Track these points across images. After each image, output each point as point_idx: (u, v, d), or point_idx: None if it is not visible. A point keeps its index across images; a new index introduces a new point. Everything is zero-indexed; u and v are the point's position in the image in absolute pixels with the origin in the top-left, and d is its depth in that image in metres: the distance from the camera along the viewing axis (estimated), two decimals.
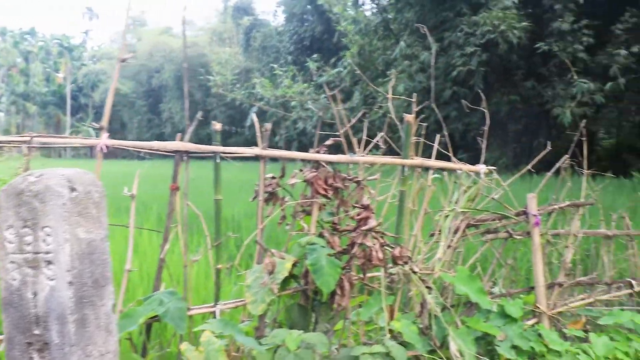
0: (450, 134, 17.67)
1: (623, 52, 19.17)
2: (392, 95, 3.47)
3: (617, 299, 4.23)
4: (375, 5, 28.32)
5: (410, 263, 2.88)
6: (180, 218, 2.62)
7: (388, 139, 3.01)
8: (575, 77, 19.14)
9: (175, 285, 2.84)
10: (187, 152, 2.57)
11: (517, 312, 3.29)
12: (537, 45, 19.55)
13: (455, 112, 20.65)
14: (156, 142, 2.58)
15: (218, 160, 2.66)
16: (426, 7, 21.87)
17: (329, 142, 2.83)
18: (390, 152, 3.03)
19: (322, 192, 2.74)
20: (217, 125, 2.70)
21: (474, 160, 3.45)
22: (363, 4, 28.84)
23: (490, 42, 18.93)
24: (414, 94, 3.15)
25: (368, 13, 28.66)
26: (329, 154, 2.82)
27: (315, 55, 30.88)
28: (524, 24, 19.00)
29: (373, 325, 3.21)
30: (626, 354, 3.44)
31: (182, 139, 2.59)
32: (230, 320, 2.76)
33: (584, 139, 3.62)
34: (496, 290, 3.62)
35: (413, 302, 3.15)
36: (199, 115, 2.82)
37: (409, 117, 2.87)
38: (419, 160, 2.91)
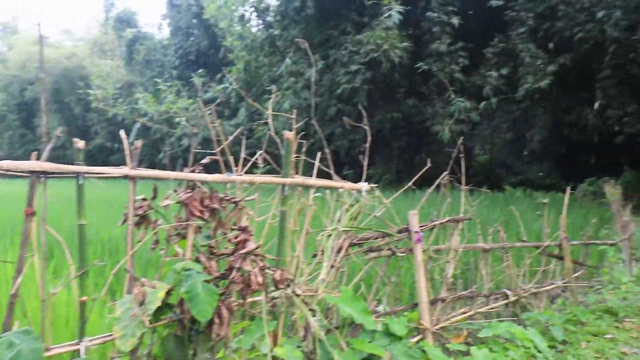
0: (335, 150, 17.95)
1: (494, 74, 20.47)
2: (278, 112, 3.35)
3: (495, 310, 4.36)
4: (261, 22, 28.40)
5: (292, 285, 2.76)
6: (38, 245, 2.33)
7: (268, 158, 2.88)
8: (453, 96, 20.15)
9: (33, 323, 2.54)
10: (44, 173, 2.30)
11: (401, 330, 3.27)
12: (417, 65, 20.39)
13: (340, 129, 21.01)
14: (7, 161, 2.28)
15: (81, 182, 2.41)
16: (311, 25, 22.16)
17: (205, 160, 2.66)
18: (272, 170, 2.91)
19: (198, 213, 2.56)
20: (80, 143, 2.45)
21: (359, 177, 3.43)
22: (249, 20, 28.82)
23: (373, 61, 19.48)
24: (294, 111, 3.05)
25: (255, 29, 28.67)
26: (207, 173, 2.65)
27: (200, 70, 30.41)
28: (405, 44, 19.75)
29: (256, 353, 3.06)
30: None
31: (38, 157, 2.31)
32: (100, 358, 2.50)
33: (461, 155, 3.69)
34: (381, 308, 3.59)
35: (297, 325, 3.03)
36: (59, 132, 2.55)
37: (289, 135, 2.77)
38: (299, 179, 2.81)
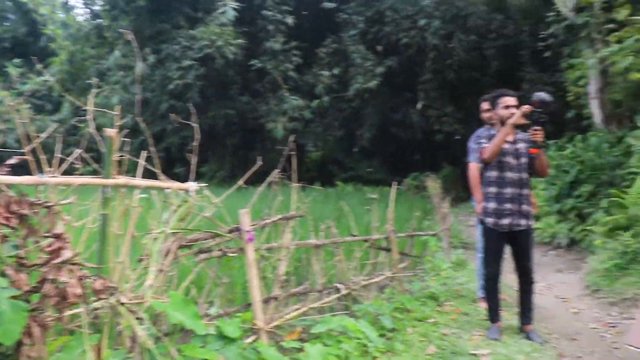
0: (167, 148, 17.34)
1: (326, 73, 21.16)
2: (105, 107, 3.11)
3: (328, 304, 4.47)
4: (88, 10, 26.65)
5: (116, 294, 2.58)
6: None
7: (87, 157, 2.66)
8: (287, 94, 20.49)
9: None
10: None
11: (235, 332, 3.21)
12: (252, 62, 20.42)
13: (172, 125, 20.39)
14: None
15: None
16: (142, 17, 21.24)
17: (13, 160, 2.38)
18: (97, 171, 2.69)
19: (3, 221, 2.28)
20: None
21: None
22: (74, 8, 26.88)
23: (207, 57, 19.16)
24: (117, 107, 2.85)
25: (81, 18, 26.82)
26: (18, 174, 2.37)
27: (17, 60, 27.75)
28: (239, 41, 19.69)
29: None
30: (338, 357, 3.61)
31: None
32: None
33: (293, 152, 3.72)
34: (213, 311, 3.50)
35: (124, 336, 2.84)
36: None
37: (111, 132, 2.57)
38: (122, 180, 2.62)
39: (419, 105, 21.86)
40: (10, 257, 2.35)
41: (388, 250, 5.69)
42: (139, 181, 2.72)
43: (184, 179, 3.07)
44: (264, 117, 21.09)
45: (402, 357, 4.02)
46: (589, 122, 13.32)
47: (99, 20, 24.97)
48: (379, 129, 24.31)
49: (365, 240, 5.35)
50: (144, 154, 2.83)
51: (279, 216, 3.68)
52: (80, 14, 26.65)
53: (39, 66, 20.68)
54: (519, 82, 20.73)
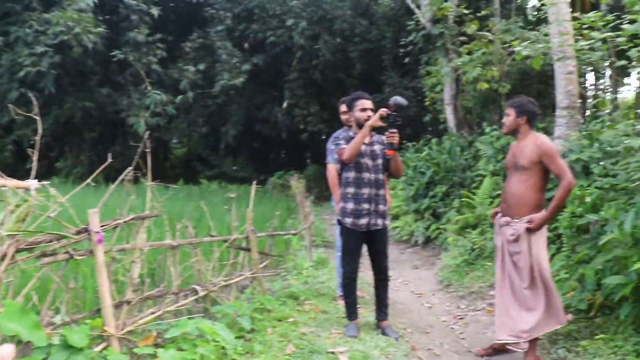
0: (17, 140, 16.02)
1: (192, 68, 20.67)
2: None
3: (185, 307, 4.32)
4: None
5: None
6: None
7: None
8: (150, 88, 19.74)
9: None
10: None
11: (82, 341, 2.99)
12: (113, 53, 19.43)
13: (22, 117, 18.71)
14: None
15: None
16: None
17: None
18: None
19: None
20: None
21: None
22: None
23: (63, 44, 17.88)
24: None
25: None
26: None
27: None
28: (100, 29, 18.61)
29: None
30: None
31: None
32: None
33: (147, 150, 3.54)
34: (58, 319, 3.24)
35: None
36: None
37: None
38: None
39: (285, 104, 22.05)
40: None
41: (248, 250, 5.63)
42: None
43: (37, 174, 2.80)
44: (126, 111, 20.14)
45: (261, 358, 3.98)
46: (444, 126, 14.18)
47: None
48: (245, 127, 24.22)
49: (225, 241, 5.25)
50: None
51: (132, 216, 3.48)
52: None
53: None
54: (381, 85, 21.61)
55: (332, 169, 5.47)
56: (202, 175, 23.33)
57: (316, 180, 21.08)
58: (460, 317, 6.05)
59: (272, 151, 29.13)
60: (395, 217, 12.24)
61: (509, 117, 4.50)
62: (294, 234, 8.25)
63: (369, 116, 4.70)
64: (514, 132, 4.52)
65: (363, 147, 4.72)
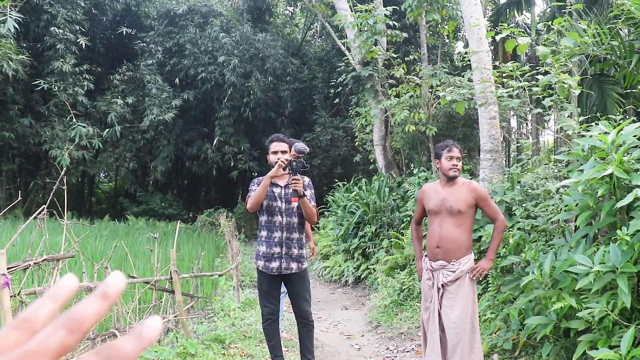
0: None
1: (120, 101, 20.19)
2: None
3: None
4: None
5: None
6: None
7: None
8: (75, 119, 19.10)
9: None
10: None
11: None
12: (36, 82, 18.75)
13: None
14: None
15: None
16: None
17: None
18: None
19: None
20: None
21: None
22: None
23: None
24: None
25: None
26: None
27: None
28: (22, 56, 17.93)
29: None
30: None
31: None
32: None
33: (63, 187, 3.36)
34: None
35: None
36: None
37: None
38: None
39: (215, 141, 21.84)
40: None
41: (171, 292, 5.42)
42: None
43: None
44: (48, 143, 19.35)
45: None
46: (374, 166, 14.38)
47: None
48: (174, 163, 23.79)
49: (147, 282, 5.03)
50: None
51: (44, 257, 3.27)
52: None
53: None
54: (312, 125, 21.79)
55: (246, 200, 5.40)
56: (129, 212, 22.63)
57: (246, 219, 20.85)
58: (389, 358, 6.02)
59: (202, 188, 28.68)
60: (326, 257, 12.21)
61: (460, 161, 4.55)
62: (220, 275, 8.06)
63: (279, 159, 4.66)
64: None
65: (277, 191, 4.67)
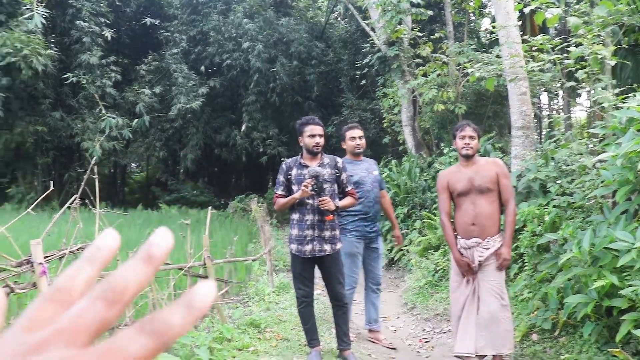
0: None
1: (147, 91, 20.33)
2: None
3: None
4: None
5: None
6: None
7: None
8: (104, 111, 19.32)
9: None
10: None
11: None
12: (65, 76, 18.98)
13: None
14: None
15: None
16: None
17: None
18: None
19: None
20: None
21: None
22: None
23: (11, 66, 17.35)
24: None
25: None
26: None
27: None
28: (50, 51, 18.16)
29: None
30: None
31: None
32: None
33: (95, 176, 3.37)
34: None
35: None
36: None
37: None
38: None
39: (243, 127, 21.88)
40: None
41: (205, 277, 5.45)
42: None
43: None
44: (80, 135, 19.64)
45: None
46: (404, 147, 14.25)
47: None
48: (204, 150, 23.91)
49: (181, 269, 5.06)
50: None
51: (79, 245, 3.30)
52: None
53: None
54: (339, 108, 21.66)
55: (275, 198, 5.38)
56: (161, 200, 22.89)
57: None
58: (426, 340, 5.97)
59: (232, 175, 28.83)
60: None
61: (475, 139, 4.52)
62: (254, 260, 8.08)
63: (317, 143, 4.61)
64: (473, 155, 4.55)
65: (305, 172, 4.62)
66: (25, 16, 17.25)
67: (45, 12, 17.25)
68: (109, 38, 19.77)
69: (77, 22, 19.24)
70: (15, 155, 20.67)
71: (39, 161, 20.90)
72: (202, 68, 21.75)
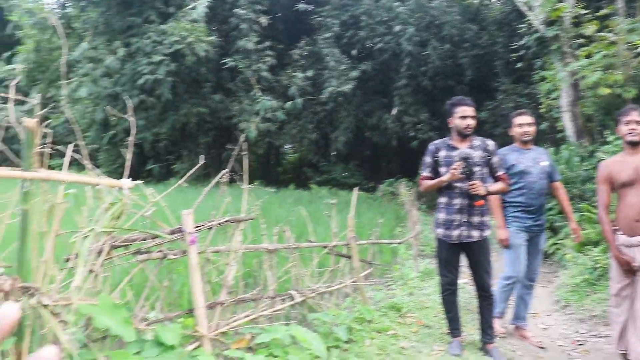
0: (139, 143, 17.04)
1: (300, 75, 20.97)
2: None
3: (281, 312, 4.26)
4: None
5: (37, 295, 2.36)
6: None
7: (3, 148, 2.43)
8: (260, 94, 20.24)
9: None
10: None
11: (174, 339, 2.99)
12: (224, 61, 20.14)
13: (143, 121, 19.95)
14: None
15: None
16: (112, 9, 20.67)
17: None
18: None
19: None
20: None
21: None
22: None
23: (178, 53, 18.79)
24: (38, 95, 2.63)
25: (50, 6, 25.95)
26: None
27: None
28: (211, 38, 19.37)
29: None
30: None
31: None
32: None
33: (244, 152, 3.52)
34: (153, 315, 3.27)
35: (48, 341, 2.61)
36: None
37: (30, 123, 2.35)
38: (44, 173, 2.40)
39: (394, 111, 21.80)
40: None
41: (348, 257, 5.51)
42: (64, 175, 2.49)
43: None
44: (237, 117, 20.83)
45: None
46: (562, 135, 13.36)
47: (67, 11, 24.26)
48: (354, 133, 24.20)
49: (324, 247, 5.15)
50: (70, 146, 2.61)
51: (226, 218, 3.47)
52: (48, 2, 25.42)
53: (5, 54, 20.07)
54: (494, 92, 20.84)
55: (420, 180, 5.24)
56: (312, 181, 23.59)
57: None
58: (580, 343, 5.53)
59: (382, 158, 28.90)
60: None
61: None
62: (399, 243, 8.03)
63: (469, 125, 4.41)
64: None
65: (454, 154, 4.44)
66: (189, 6, 18.55)
67: (208, 2, 18.41)
68: (265, 24, 20.63)
69: (236, 10, 20.30)
70: (181, 135, 22.38)
71: (201, 140, 22.46)
72: (354, 52, 21.95)
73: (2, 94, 2.68)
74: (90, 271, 2.69)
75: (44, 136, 2.43)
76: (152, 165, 21.97)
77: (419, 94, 22.08)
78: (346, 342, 4.38)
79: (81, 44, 20.58)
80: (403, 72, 21.13)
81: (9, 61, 25.39)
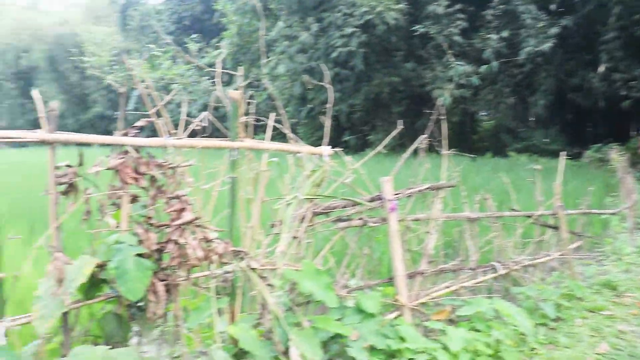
0: (335, 115, 17.60)
1: (494, 36, 19.91)
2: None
3: (483, 285, 4.08)
4: None
5: (246, 259, 2.48)
6: None
7: (213, 119, 2.56)
8: (452, 59, 19.64)
9: None
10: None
11: (374, 307, 2.99)
12: (414, 28, 19.83)
13: (339, 93, 20.52)
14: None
15: None
16: None
17: (140, 123, 2.33)
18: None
19: (132, 181, 2.25)
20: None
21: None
22: None
23: (368, 23, 18.91)
24: (241, 68, 2.72)
25: None
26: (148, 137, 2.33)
27: (195, 36, 29.47)
28: (400, 5, 19.16)
29: (212, 331, 2.79)
30: (487, 344, 3.25)
31: None
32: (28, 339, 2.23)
33: (442, 118, 3.36)
34: (353, 283, 3.30)
35: (257, 303, 2.75)
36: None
37: (235, 95, 2.44)
38: (249, 143, 2.48)
39: (601, 69, 19.77)
40: (141, 216, 2.33)
41: (555, 228, 5.09)
42: (267, 144, 2.57)
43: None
44: (430, 84, 20.48)
45: (565, 352, 3.52)
46: None
47: None
48: (555, 96, 22.48)
49: (529, 216, 4.81)
50: (272, 116, 2.67)
51: (427, 185, 3.36)
52: None
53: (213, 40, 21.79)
54: None
55: None
56: (510, 148, 22.51)
57: None
58: None
59: (587, 122, 26.54)
60: None
61: None
62: (612, 214, 7.27)
63: None
64: None
65: None
66: None
67: None
68: None
69: None
70: (374, 105, 22.63)
71: (394, 110, 22.49)
72: (552, 7, 20.24)
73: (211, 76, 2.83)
74: (294, 237, 2.77)
75: (247, 113, 2.52)
76: (349, 136, 22.57)
77: (631, 47, 19.69)
78: (554, 320, 4.07)
79: (277, 24, 21.68)
80: (611, 24, 18.98)
81: (216, 47, 27.69)
